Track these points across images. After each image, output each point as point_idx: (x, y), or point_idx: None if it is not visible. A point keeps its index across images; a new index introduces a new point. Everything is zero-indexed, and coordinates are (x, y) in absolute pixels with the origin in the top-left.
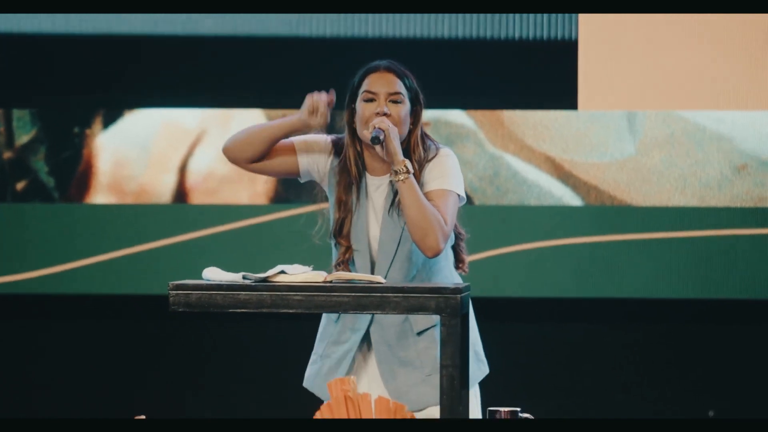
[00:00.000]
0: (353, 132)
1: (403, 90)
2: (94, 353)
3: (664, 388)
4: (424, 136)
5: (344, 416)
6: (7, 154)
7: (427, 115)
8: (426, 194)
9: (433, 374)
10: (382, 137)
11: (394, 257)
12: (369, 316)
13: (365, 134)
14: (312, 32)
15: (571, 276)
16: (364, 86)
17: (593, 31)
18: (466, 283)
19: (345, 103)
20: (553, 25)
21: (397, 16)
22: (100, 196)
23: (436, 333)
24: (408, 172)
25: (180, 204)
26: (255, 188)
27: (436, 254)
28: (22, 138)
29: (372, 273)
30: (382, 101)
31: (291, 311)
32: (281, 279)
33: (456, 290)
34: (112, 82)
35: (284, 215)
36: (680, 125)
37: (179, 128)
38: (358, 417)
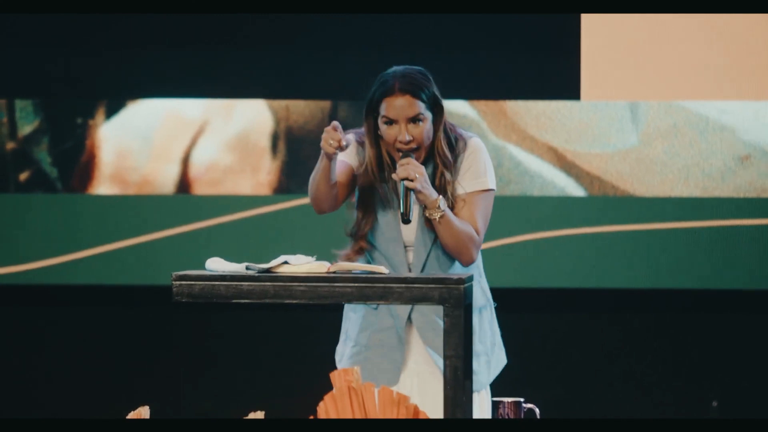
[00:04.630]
0: (374, 138)
1: (422, 108)
2: (97, 344)
3: (666, 379)
4: (448, 132)
5: (348, 406)
6: (10, 145)
7: None
8: (461, 197)
9: (481, 355)
10: (409, 211)
11: (426, 259)
12: None
13: (392, 151)
14: (315, 21)
15: (574, 266)
16: (382, 110)
17: (596, 21)
18: (470, 274)
19: (364, 111)
20: (556, 16)
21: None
22: (102, 186)
23: (481, 313)
24: (442, 210)
25: (183, 195)
26: (258, 179)
27: (470, 263)
28: (25, 128)
29: (407, 258)
30: (403, 128)
31: (294, 302)
32: (284, 269)
33: (459, 281)
34: (115, 73)
35: (287, 206)
36: (683, 115)
37: (182, 119)
38: (362, 407)
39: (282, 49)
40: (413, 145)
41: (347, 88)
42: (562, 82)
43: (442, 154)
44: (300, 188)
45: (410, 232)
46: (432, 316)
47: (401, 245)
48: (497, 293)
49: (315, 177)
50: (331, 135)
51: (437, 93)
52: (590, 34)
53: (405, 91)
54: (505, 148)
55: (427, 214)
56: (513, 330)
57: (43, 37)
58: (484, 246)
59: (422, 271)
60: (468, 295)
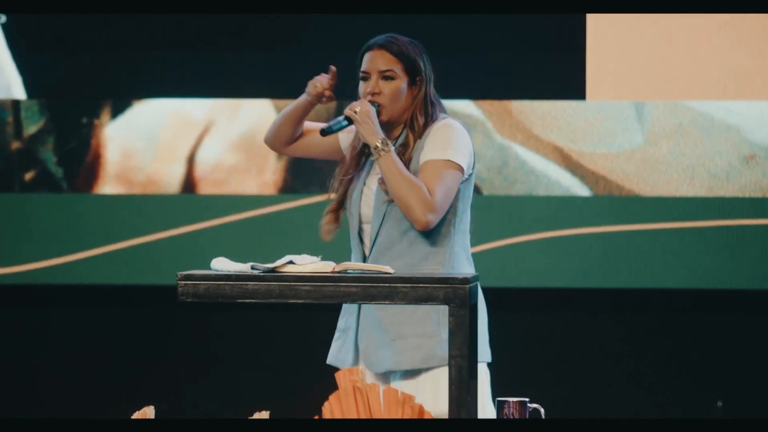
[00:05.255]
0: None
1: (397, 66)
2: (101, 344)
3: (667, 379)
4: (428, 106)
5: (353, 407)
6: (16, 145)
7: None
8: (421, 166)
9: (397, 340)
10: (334, 126)
11: (378, 233)
12: None
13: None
14: (320, 21)
15: (579, 266)
16: (362, 66)
17: (601, 21)
18: (475, 274)
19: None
20: (562, 16)
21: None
22: (108, 186)
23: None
24: (384, 149)
25: (188, 194)
26: (263, 178)
27: (425, 227)
28: (31, 128)
29: (361, 233)
30: (374, 80)
31: (299, 301)
32: (290, 269)
33: (464, 281)
34: (120, 73)
35: (292, 205)
36: (688, 115)
37: (187, 118)
38: (367, 407)
39: (287, 49)
40: (379, 100)
41: (352, 87)
42: (567, 81)
43: (415, 122)
44: (305, 188)
45: (368, 207)
46: (376, 312)
47: (356, 219)
48: (501, 293)
49: (285, 111)
50: (320, 80)
51: (422, 63)
52: (596, 34)
53: (382, 46)
54: (511, 147)
55: (373, 157)
56: (516, 330)
57: (48, 37)
58: (487, 246)
59: (372, 246)
60: (473, 294)
